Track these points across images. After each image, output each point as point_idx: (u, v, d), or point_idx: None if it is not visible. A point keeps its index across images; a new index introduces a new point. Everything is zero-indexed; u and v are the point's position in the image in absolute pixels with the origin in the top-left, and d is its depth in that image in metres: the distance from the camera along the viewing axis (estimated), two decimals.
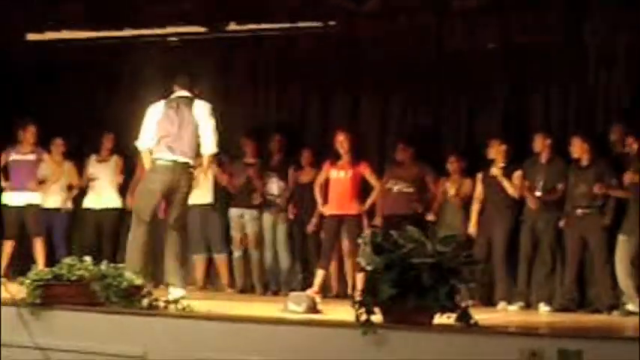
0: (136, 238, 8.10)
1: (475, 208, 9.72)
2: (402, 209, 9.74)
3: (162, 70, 10.75)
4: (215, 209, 10.78)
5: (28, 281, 6.77)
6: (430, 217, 9.86)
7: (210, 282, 11.10)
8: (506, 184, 9.50)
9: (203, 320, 6.54)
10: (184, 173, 8.11)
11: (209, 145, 8.19)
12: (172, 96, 8.25)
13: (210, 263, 11.04)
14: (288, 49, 10.74)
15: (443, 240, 6.13)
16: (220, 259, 10.88)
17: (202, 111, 8.19)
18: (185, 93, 8.22)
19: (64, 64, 11.65)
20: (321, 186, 10.08)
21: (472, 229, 9.66)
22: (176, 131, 8.05)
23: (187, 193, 8.24)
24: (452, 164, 9.92)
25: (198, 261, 10.94)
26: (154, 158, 8.11)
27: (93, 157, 11.18)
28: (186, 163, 8.11)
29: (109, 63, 11.46)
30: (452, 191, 9.83)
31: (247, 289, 10.75)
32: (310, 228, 10.34)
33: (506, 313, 8.86)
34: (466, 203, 9.80)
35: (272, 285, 10.68)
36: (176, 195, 8.17)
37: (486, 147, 9.70)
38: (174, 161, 8.07)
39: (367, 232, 6.48)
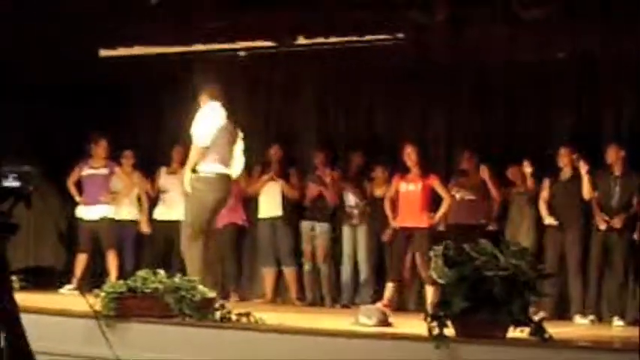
0: (195, 256, 7.92)
1: (543, 204, 9.65)
2: (465, 219, 9.73)
3: (230, 85, 10.86)
4: (284, 222, 10.83)
5: (103, 294, 6.86)
6: (491, 228, 9.82)
7: (280, 294, 11.14)
8: (585, 181, 9.36)
9: (274, 333, 6.57)
10: (229, 185, 8.14)
11: (238, 168, 8.20)
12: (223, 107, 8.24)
13: (279, 276, 11.07)
14: (357, 62, 10.75)
15: (516, 253, 6.08)
16: (289, 272, 10.91)
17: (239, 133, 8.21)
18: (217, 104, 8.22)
19: (133, 79, 11.81)
20: (392, 200, 10.06)
21: (548, 219, 9.58)
22: (228, 145, 8.06)
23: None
24: (512, 173, 9.91)
25: (268, 274, 10.98)
26: (204, 170, 8.00)
27: (163, 170, 11.29)
28: (230, 177, 8.11)
29: (178, 77, 11.58)
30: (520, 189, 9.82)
31: (316, 302, 10.76)
32: (384, 238, 10.32)
33: (579, 327, 8.75)
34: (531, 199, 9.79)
35: (343, 298, 10.66)
36: (221, 208, 8.21)
37: (556, 155, 9.62)
38: (227, 175, 8.06)
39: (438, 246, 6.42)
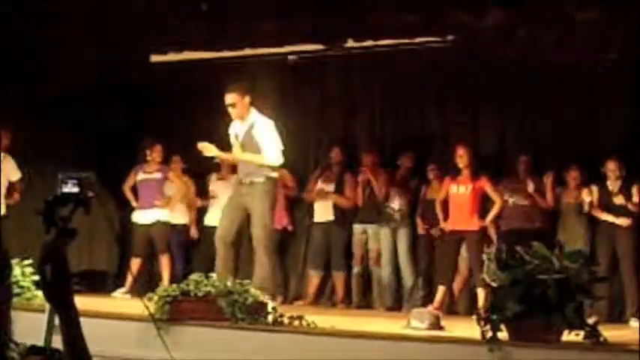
0: (272, 257, 8.05)
1: (597, 213, 9.53)
2: (519, 224, 9.64)
3: (281, 88, 10.90)
4: (338, 226, 10.83)
5: (156, 297, 6.91)
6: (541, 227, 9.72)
7: (327, 297, 11.16)
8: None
9: (327, 336, 6.58)
10: None
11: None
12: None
13: (324, 279, 11.08)
14: (407, 64, 10.75)
15: (570, 256, 6.04)
16: (339, 276, 10.90)
17: None
18: None
19: (183, 84, 11.90)
20: (442, 202, 10.02)
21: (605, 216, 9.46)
22: None
23: None
24: (571, 175, 9.76)
25: (314, 277, 10.98)
26: (269, 174, 8.09)
27: (214, 175, 11.34)
28: None
29: (228, 82, 11.62)
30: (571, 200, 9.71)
31: (363, 306, 10.74)
32: (435, 233, 10.29)
33: (634, 330, 8.63)
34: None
35: (389, 301, 10.63)
36: None
37: (602, 164, 9.50)
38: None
39: (491, 248, 6.39)
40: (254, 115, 8.21)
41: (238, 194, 8.18)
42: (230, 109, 8.22)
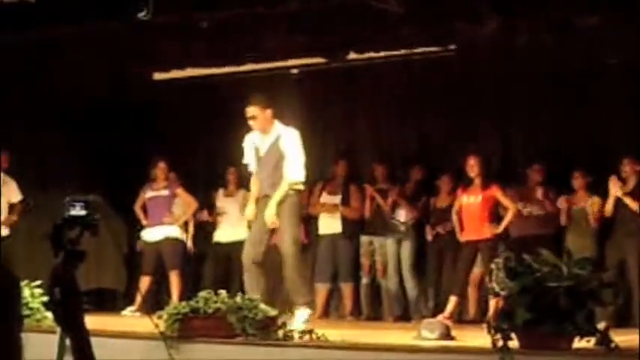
0: (301, 270, 8.16)
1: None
2: (533, 231, 9.61)
3: (284, 103, 10.90)
4: (345, 238, 10.84)
5: (165, 315, 6.91)
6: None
7: (335, 309, 11.16)
8: (629, 202, 9.26)
9: (338, 349, 6.56)
10: None
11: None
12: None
13: (331, 292, 11.07)
14: (408, 74, 10.78)
15: (578, 262, 6.03)
16: (347, 287, 10.91)
17: None
18: None
19: (187, 101, 11.92)
20: (458, 213, 9.96)
21: None
22: None
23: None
24: (577, 180, 9.73)
25: (321, 289, 11.00)
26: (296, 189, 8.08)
27: (220, 192, 11.33)
28: None
29: (231, 98, 11.65)
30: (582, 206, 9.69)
31: (372, 317, 10.73)
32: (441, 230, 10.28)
33: None
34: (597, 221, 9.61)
35: (398, 312, 10.63)
36: None
37: (617, 165, 9.47)
38: None
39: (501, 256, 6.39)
40: (279, 127, 8.10)
41: (264, 209, 7.99)
42: (251, 122, 8.10)
